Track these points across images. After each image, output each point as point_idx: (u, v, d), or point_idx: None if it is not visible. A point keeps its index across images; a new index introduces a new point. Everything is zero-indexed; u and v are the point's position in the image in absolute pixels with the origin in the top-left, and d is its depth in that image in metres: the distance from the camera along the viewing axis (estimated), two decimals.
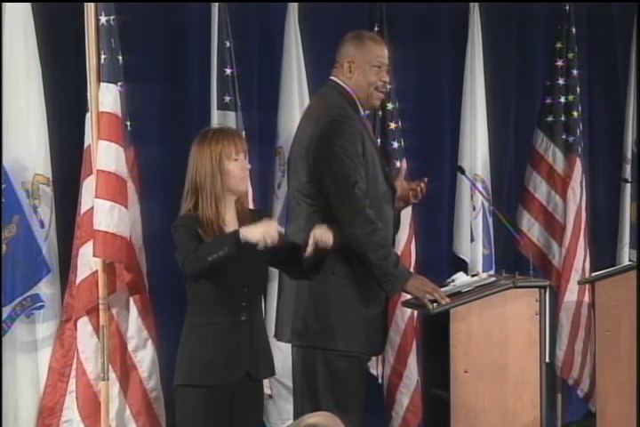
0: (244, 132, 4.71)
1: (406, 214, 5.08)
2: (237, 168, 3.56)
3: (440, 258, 5.51)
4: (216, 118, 4.71)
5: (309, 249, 3.51)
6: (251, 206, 4.11)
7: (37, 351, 4.28)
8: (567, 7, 5.68)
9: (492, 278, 4.17)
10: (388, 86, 4.14)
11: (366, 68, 4.02)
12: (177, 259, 3.49)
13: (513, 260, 5.55)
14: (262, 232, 3.37)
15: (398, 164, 5.19)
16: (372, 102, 4.10)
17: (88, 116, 4.28)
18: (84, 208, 4.27)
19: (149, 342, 4.35)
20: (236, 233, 3.40)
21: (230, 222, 3.57)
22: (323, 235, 3.53)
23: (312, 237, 3.52)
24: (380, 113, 5.18)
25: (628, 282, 4.79)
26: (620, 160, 6.03)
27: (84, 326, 4.26)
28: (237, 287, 3.52)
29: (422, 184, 4.15)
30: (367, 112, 4.42)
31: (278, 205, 4.86)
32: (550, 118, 5.73)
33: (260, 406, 3.74)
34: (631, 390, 4.73)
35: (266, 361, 3.64)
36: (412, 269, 4.76)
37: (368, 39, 4.08)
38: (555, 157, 5.71)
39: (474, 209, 5.47)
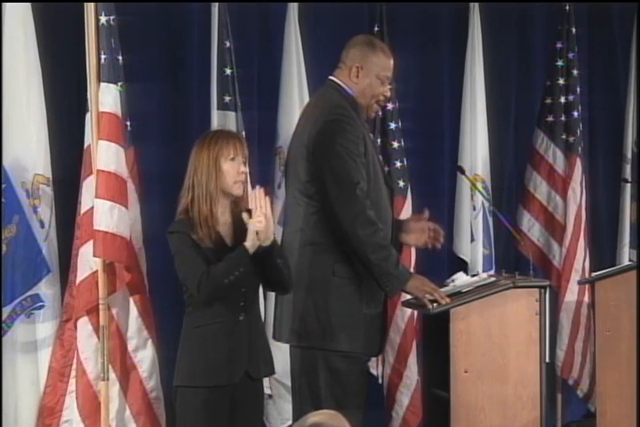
0: (243, 133, 4.72)
1: (406, 214, 5.07)
2: (233, 168, 3.59)
3: (440, 258, 5.50)
4: (216, 118, 4.71)
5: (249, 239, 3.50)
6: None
7: (37, 351, 4.27)
8: (567, 7, 5.68)
9: (492, 278, 4.18)
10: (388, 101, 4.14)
11: (373, 78, 4.01)
12: (183, 282, 3.55)
13: (513, 260, 5.56)
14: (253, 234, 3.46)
15: (398, 164, 5.20)
16: (368, 113, 4.10)
17: (88, 116, 4.28)
18: (84, 208, 4.27)
19: (149, 342, 4.35)
20: (244, 251, 3.47)
21: (225, 224, 3.60)
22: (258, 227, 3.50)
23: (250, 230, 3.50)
24: (380, 113, 5.17)
25: (628, 282, 4.79)
26: (620, 160, 6.03)
27: (84, 325, 4.25)
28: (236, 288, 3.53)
29: (435, 229, 4.16)
30: None
31: (278, 205, 4.85)
32: (550, 118, 5.73)
33: (261, 405, 3.75)
34: (631, 390, 4.73)
35: (265, 360, 3.66)
36: (412, 270, 4.76)
37: (380, 50, 4.05)
38: (555, 157, 5.71)
39: (474, 209, 5.47)
